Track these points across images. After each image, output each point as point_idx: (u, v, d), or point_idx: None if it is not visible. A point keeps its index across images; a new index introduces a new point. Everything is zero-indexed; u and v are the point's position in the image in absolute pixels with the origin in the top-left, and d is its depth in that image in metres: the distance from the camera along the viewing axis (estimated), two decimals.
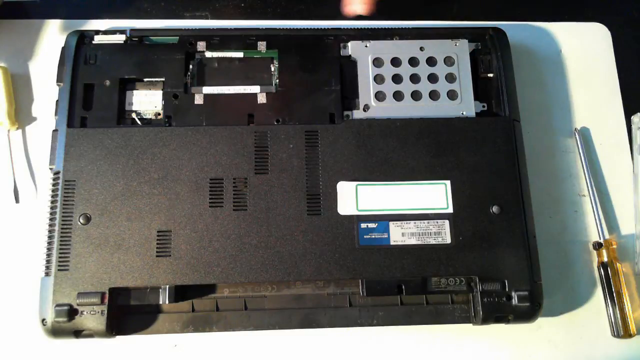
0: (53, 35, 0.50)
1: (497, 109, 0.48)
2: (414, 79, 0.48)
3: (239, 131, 0.45)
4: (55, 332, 0.41)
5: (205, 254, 0.42)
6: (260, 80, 0.48)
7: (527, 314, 0.43)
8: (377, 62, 0.49)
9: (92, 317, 0.41)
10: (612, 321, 0.46)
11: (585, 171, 0.50)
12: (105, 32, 0.48)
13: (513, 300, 0.42)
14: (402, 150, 0.45)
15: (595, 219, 0.49)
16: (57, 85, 0.47)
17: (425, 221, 0.44)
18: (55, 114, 0.46)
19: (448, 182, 0.45)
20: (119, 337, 0.43)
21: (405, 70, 0.48)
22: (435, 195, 0.45)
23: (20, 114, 0.50)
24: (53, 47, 0.49)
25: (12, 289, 0.45)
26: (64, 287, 0.41)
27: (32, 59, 0.51)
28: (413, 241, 0.44)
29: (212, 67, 0.48)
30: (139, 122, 0.47)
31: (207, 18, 0.55)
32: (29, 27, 0.52)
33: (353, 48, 0.49)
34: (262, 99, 0.47)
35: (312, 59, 0.48)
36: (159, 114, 0.47)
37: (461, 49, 0.49)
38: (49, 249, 0.42)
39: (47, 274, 0.42)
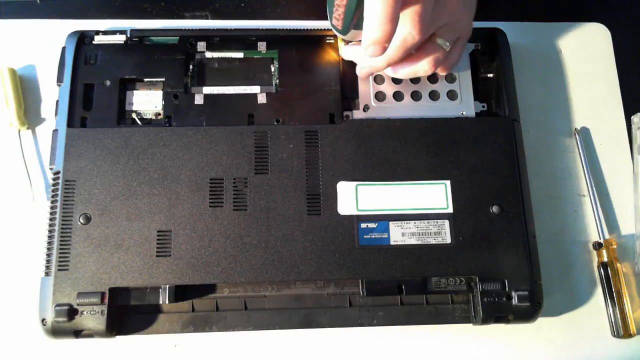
0: (53, 35, 0.50)
1: (497, 109, 0.48)
2: (414, 79, 0.48)
3: (239, 131, 0.45)
4: (55, 332, 0.41)
5: (205, 254, 0.42)
6: (260, 80, 0.48)
7: (527, 314, 0.43)
8: None
9: (92, 317, 0.41)
10: (612, 321, 0.46)
11: (585, 171, 0.50)
12: (106, 32, 0.48)
13: (513, 300, 0.42)
14: (402, 150, 0.45)
15: (595, 219, 0.49)
16: (57, 85, 0.47)
17: (425, 221, 0.44)
18: (56, 114, 0.46)
19: (448, 182, 0.45)
20: (119, 337, 0.43)
21: None
22: (435, 195, 0.45)
23: (27, 114, 0.50)
24: (53, 47, 0.49)
25: (12, 289, 0.45)
26: (64, 287, 0.41)
27: (33, 59, 0.51)
28: (413, 241, 0.44)
29: (212, 67, 0.48)
30: (139, 122, 0.47)
31: (207, 18, 0.55)
32: (29, 27, 0.52)
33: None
34: (262, 99, 0.47)
35: (312, 59, 0.48)
36: (159, 114, 0.47)
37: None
38: (49, 249, 0.42)
39: (47, 274, 0.42)
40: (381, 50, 0.38)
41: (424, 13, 0.39)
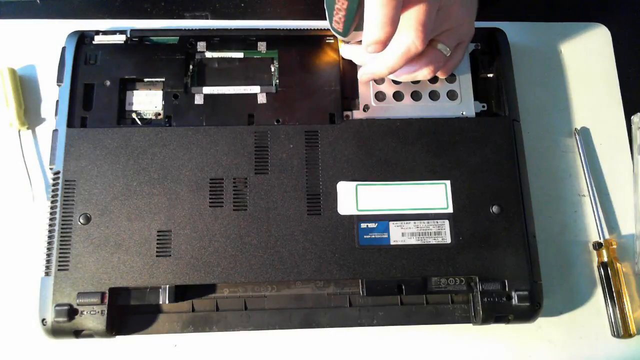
0: (53, 35, 0.50)
1: (497, 109, 0.48)
2: None
3: (239, 131, 0.45)
4: (55, 332, 0.41)
5: (205, 254, 0.42)
6: (260, 80, 0.48)
7: (527, 314, 0.43)
8: None
9: (92, 317, 0.41)
10: (612, 321, 0.46)
11: (585, 171, 0.50)
12: (106, 32, 0.48)
13: (513, 300, 0.42)
14: (402, 150, 0.45)
15: (595, 219, 0.49)
16: (58, 85, 0.47)
17: (425, 221, 0.44)
18: (56, 114, 0.46)
19: (448, 182, 0.45)
20: (119, 337, 0.43)
21: None
22: (435, 195, 0.45)
23: (27, 114, 0.50)
24: (53, 47, 0.49)
25: (12, 289, 0.45)
26: (64, 287, 0.41)
27: (33, 59, 0.51)
28: (413, 241, 0.44)
29: (212, 67, 0.48)
30: (139, 122, 0.47)
31: (207, 18, 0.55)
32: (29, 27, 0.52)
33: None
34: (262, 99, 0.47)
35: (312, 59, 0.48)
36: (159, 114, 0.47)
37: None
38: (49, 249, 0.42)
39: (47, 274, 0.42)
40: (382, 48, 0.39)
41: (427, 22, 0.39)
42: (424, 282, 0.43)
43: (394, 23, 0.37)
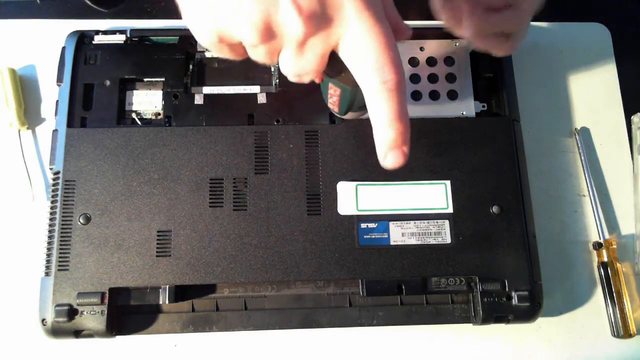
0: (53, 35, 0.50)
1: (497, 109, 0.48)
2: (414, 79, 0.48)
3: (239, 131, 0.45)
4: (55, 332, 0.41)
5: (205, 254, 0.42)
6: (260, 80, 0.48)
7: (527, 314, 0.43)
8: None
9: (92, 317, 0.41)
10: (612, 321, 0.46)
11: (585, 171, 0.50)
12: (105, 32, 0.48)
13: (513, 300, 0.42)
14: None
15: (595, 219, 0.49)
16: (57, 85, 0.47)
17: (425, 221, 0.44)
18: (55, 114, 0.46)
19: (448, 182, 0.45)
20: (119, 337, 0.43)
21: (405, 70, 0.48)
22: (435, 195, 0.45)
23: (27, 114, 0.50)
24: (53, 47, 0.49)
25: (12, 289, 0.45)
26: (64, 287, 0.41)
27: (33, 59, 0.51)
28: (413, 241, 0.44)
29: (212, 67, 0.48)
30: (139, 122, 0.47)
31: None
32: (29, 27, 0.52)
33: None
34: (262, 99, 0.47)
35: None
36: (159, 114, 0.47)
37: (461, 49, 0.49)
38: (49, 249, 0.42)
39: (47, 274, 0.42)
40: (403, 156, 0.30)
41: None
42: (424, 282, 0.43)
43: (404, 116, 0.29)
